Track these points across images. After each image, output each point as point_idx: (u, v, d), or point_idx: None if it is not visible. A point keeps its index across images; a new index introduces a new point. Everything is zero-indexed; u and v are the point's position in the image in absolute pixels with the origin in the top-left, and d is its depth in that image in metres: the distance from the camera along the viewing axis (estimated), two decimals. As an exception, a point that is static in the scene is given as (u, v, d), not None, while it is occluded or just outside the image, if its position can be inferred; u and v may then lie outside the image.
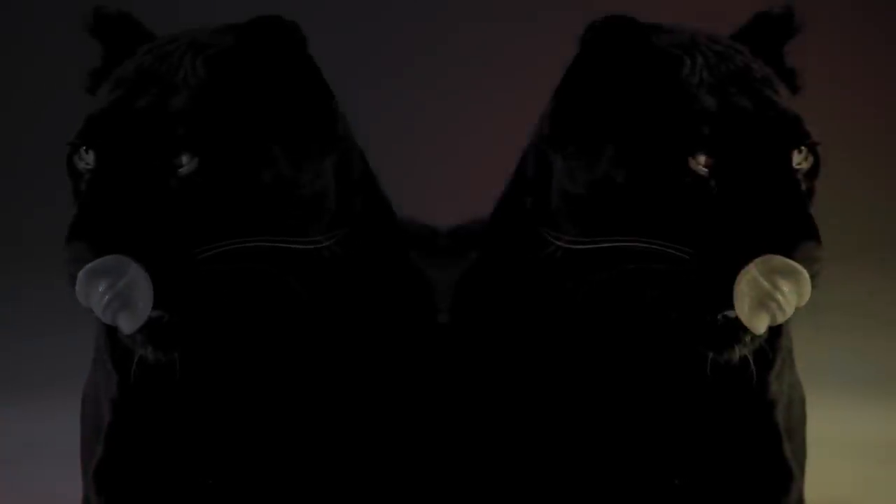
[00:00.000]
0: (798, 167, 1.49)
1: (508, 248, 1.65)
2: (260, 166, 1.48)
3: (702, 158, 1.46)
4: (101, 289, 1.41)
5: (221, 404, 1.58)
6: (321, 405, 1.60)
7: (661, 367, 1.57)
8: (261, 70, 1.52)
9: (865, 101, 3.48)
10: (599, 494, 1.59)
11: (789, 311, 1.43)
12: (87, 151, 1.49)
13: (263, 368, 1.58)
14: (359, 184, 1.65)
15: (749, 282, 1.41)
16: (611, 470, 1.59)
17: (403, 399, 1.66)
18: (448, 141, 3.42)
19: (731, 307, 1.42)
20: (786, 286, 1.41)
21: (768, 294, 1.41)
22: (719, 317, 1.45)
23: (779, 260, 1.41)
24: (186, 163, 1.46)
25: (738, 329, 1.45)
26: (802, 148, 1.49)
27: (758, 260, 1.41)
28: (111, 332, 1.54)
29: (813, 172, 1.52)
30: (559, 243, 1.53)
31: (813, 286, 1.43)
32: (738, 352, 1.47)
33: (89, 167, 1.49)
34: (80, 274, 1.41)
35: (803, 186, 1.49)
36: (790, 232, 1.42)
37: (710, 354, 1.47)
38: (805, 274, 1.41)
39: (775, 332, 1.54)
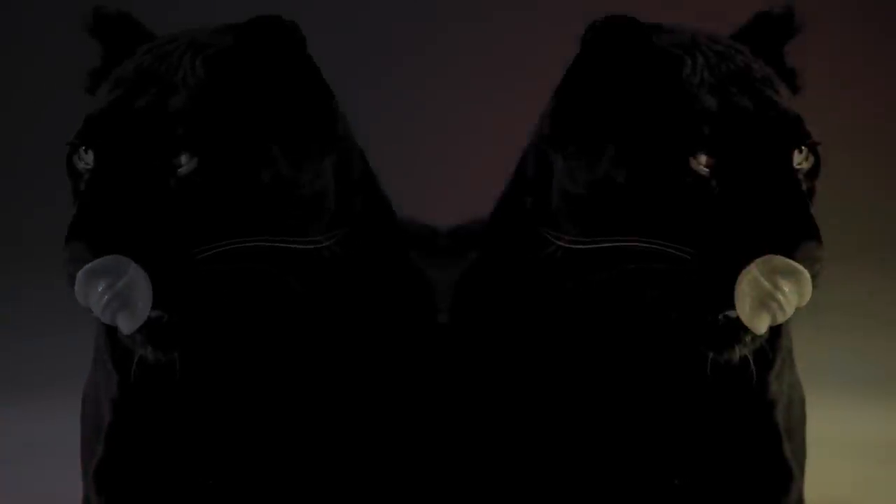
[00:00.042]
0: (799, 167, 1.49)
1: (508, 248, 1.65)
2: (259, 166, 1.48)
3: (703, 158, 1.46)
4: (100, 289, 1.41)
5: (221, 404, 1.58)
6: (321, 405, 1.60)
7: (661, 367, 1.57)
8: (260, 70, 1.52)
9: (865, 101, 3.48)
10: (599, 494, 1.59)
11: (790, 311, 1.43)
12: (86, 151, 1.49)
13: (263, 368, 1.58)
14: (359, 184, 1.65)
15: (750, 282, 1.41)
16: (611, 470, 1.59)
17: (403, 399, 1.66)
18: (448, 141, 3.42)
19: (732, 307, 1.42)
20: (787, 286, 1.41)
21: (769, 294, 1.41)
22: (720, 317, 1.45)
23: (780, 260, 1.41)
24: (185, 163, 1.46)
25: (738, 329, 1.45)
26: (803, 148, 1.49)
27: (759, 260, 1.41)
28: (111, 331, 1.54)
29: (813, 172, 1.52)
30: (560, 243, 1.53)
31: (814, 286, 1.43)
32: (738, 352, 1.47)
33: (89, 167, 1.49)
34: (80, 274, 1.41)
35: (804, 186, 1.49)
36: (791, 232, 1.42)
37: (711, 354, 1.47)
38: (806, 274, 1.42)
39: (775, 332, 1.54)
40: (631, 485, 1.59)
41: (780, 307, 1.42)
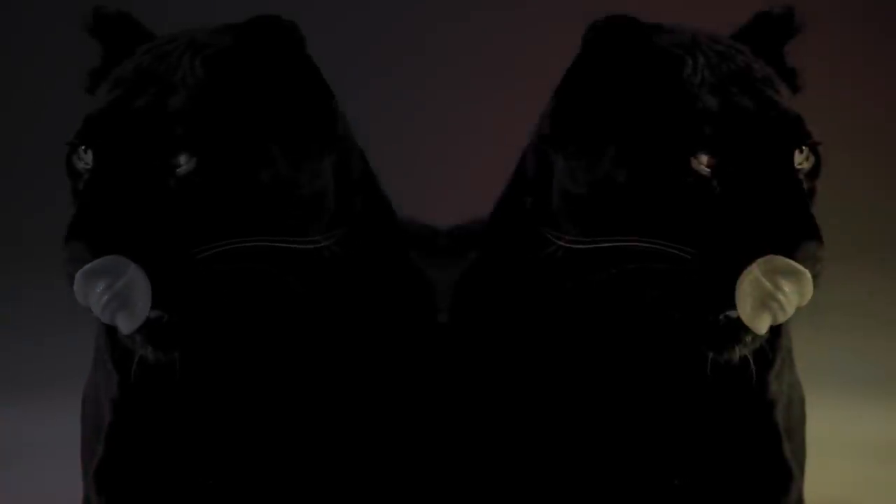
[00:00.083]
0: (799, 167, 1.49)
1: (508, 248, 1.65)
2: (258, 166, 1.48)
3: (704, 158, 1.46)
4: (99, 289, 1.41)
5: (222, 404, 1.58)
6: (321, 405, 1.60)
7: (660, 367, 1.57)
8: (259, 70, 1.52)
9: (865, 101, 3.48)
10: (599, 494, 1.59)
11: (791, 310, 1.43)
12: (85, 151, 1.49)
13: (263, 368, 1.58)
14: (358, 183, 1.65)
15: (751, 282, 1.41)
16: (611, 470, 1.59)
17: (403, 399, 1.66)
18: (448, 141, 3.42)
19: (733, 307, 1.42)
20: (787, 286, 1.41)
21: (770, 294, 1.41)
22: (721, 317, 1.45)
23: (781, 260, 1.41)
24: (185, 163, 1.46)
25: (739, 329, 1.45)
26: (804, 148, 1.50)
27: (760, 260, 1.41)
28: (111, 332, 1.55)
29: (814, 172, 1.52)
30: (560, 243, 1.53)
31: (815, 286, 1.43)
32: (738, 352, 1.47)
33: (88, 167, 1.49)
34: (79, 274, 1.41)
35: (804, 186, 1.49)
36: (792, 232, 1.42)
37: (711, 354, 1.47)
38: (807, 274, 1.42)
39: (775, 331, 1.54)
40: (631, 485, 1.59)
41: (781, 307, 1.42)
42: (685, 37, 1.54)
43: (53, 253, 1.45)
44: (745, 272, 1.41)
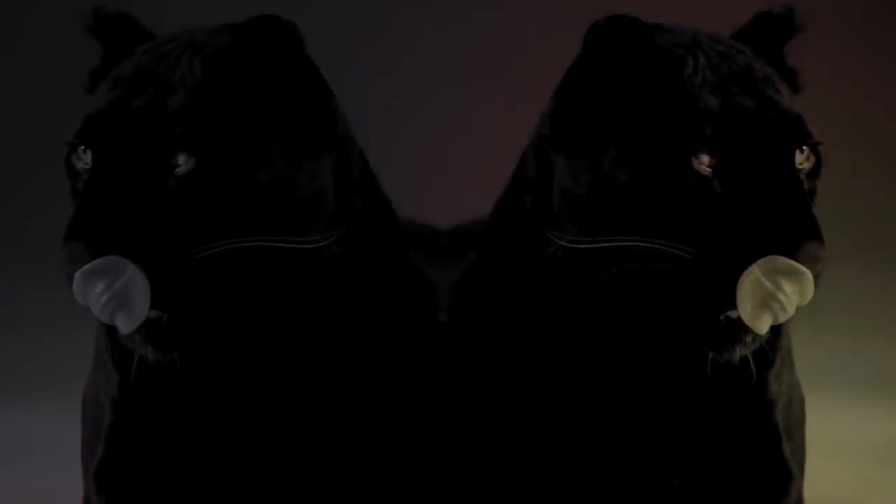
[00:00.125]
0: (800, 167, 1.49)
1: (508, 248, 1.65)
2: (257, 166, 1.48)
3: (705, 158, 1.46)
4: (98, 289, 1.41)
5: (222, 404, 1.58)
6: (321, 405, 1.60)
7: (660, 367, 1.57)
8: (258, 70, 1.52)
9: (865, 101, 3.49)
10: (599, 494, 1.59)
11: (791, 311, 1.43)
12: (84, 151, 1.49)
13: (263, 368, 1.58)
14: (358, 183, 1.65)
15: (752, 282, 1.41)
16: (610, 470, 1.59)
17: (403, 398, 1.66)
18: (448, 141, 3.42)
19: (734, 307, 1.42)
20: (788, 286, 1.41)
21: (771, 295, 1.41)
22: (721, 317, 1.45)
23: (782, 260, 1.41)
24: (183, 163, 1.46)
25: (739, 329, 1.45)
26: (804, 148, 1.50)
27: (761, 260, 1.41)
28: (111, 332, 1.55)
29: (815, 172, 1.52)
30: (561, 243, 1.53)
31: (815, 286, 1.43)
32: (738, 352, 1.47)
33: (87, 167, 1.49)
34: (78, 274, 1.41)
35: (805, 186, 1.49)
36: (793, 232, 1.42)
37: (711, 354, 1.47)
38: (808, 274, 1.42)
39: (775, 331, 1.54)
40: (631, 485, 1.59)
41: (782, 307, 1.42)
42: (686, 37, 1.54)
43: (53, 253, 1.45)
44: (746, 272, 1.41)
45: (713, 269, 1.43)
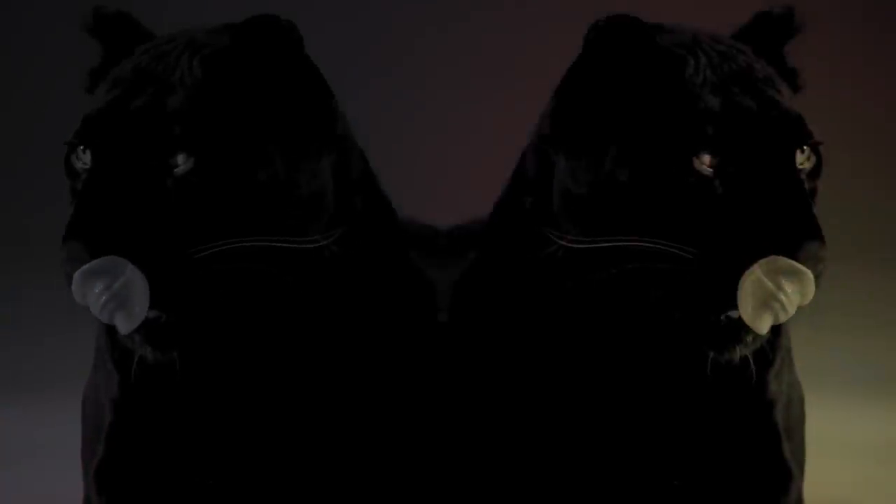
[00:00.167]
0: (801, 167, 1.49)
1: (508, 247, 1.65)
2: (256, 166, 1.48)
3: (706, 158, 1.46)
4: (97, 289, 1.41)
5: (222, 404, 1.58)
6: (321, 405, 1.60)
7: (660, 367, 1.57)
8: (257, 69, 1.52)
9: (865, 101, 3.49)
10: (599, 494, 1.59)
11: (792, 311, 1.43)
12: (84, 151, 1.49)
13: (263, 368, 1.58)
14: (358, 183, 1.65)
15: (753, 282, 1.41)
16: (610, 470, 1.59)
17: (403, 398, 1.66)
18: (448, 141, 3.42)
19: (735, 307, 1.42)
20: (789, 287, 1.41)
21: (772, 295, 1.41)
22: (722, 317, 1.45)
23: (783, 261, 1.41)
24: (182, 162, 1.46)
25: (740, 329, 1.45)
26: (805, 148, 1.50)
27: (762, 261, 1.41)
28: (111, 331, 1.55)
29: (815, 172, 1.52)
30: (562, 243, 1.53)
31: (816, 286, 1.43)
32: (739, 352, 1.47)
33: (86, 167, 1.49)
34: (77, 275, 1.41)
35: (806, 186, 1.49)
36: (794, 232, 1.42)
37: (711, 354, 1.47)
38: (809, 275, 1.42)
39: (775, 331, 1.54)
40: (631, 485, 1.59)
41: (783, 307, 1.42)
42: (686, 37, 1.54)
43: (53, 253, 1.45)
44: (747, 273, 1.41)
45: (714, 269, 1.43)
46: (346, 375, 1.61)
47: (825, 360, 2.38)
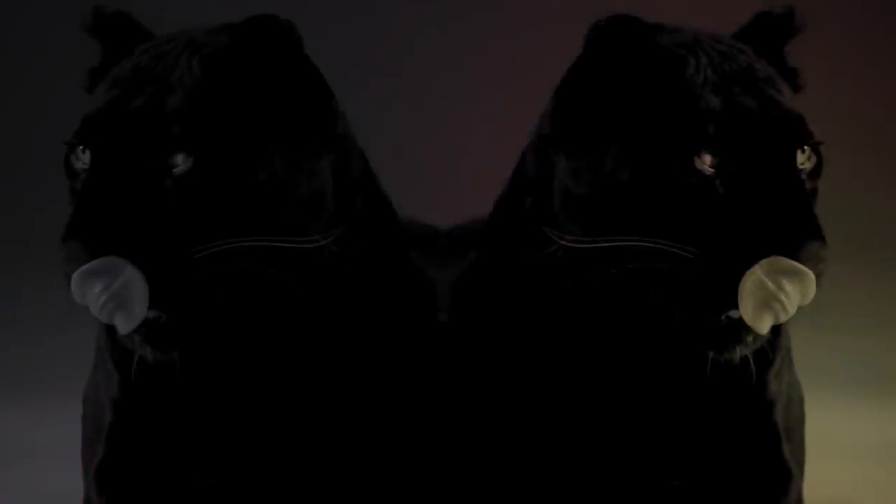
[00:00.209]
0: (802, 167, 1.49)
1: (508, 247, 1.65)
2: (255, 165, 1.48)
3: (707, 158, 1.46)
4: (96, 290, 1.41)
5: (222, 404, 1.58)
6: (321, 405, 1.60)
7: (660, 367, 1.57)
8: (256, 69, 1.52)
9: (865, 101, 3.49)
10: (599, 494, 1.59)
11: (792, 311, 1.43)
12: (83, 151, 1.49)
13: (263, 368, 1.58)
14: (358, 183, 1.65)
15: (754, 282, 1.41)
16: (610, 470, 1.59)
17: (403, 398, 1.66)
18: (448, 141, 3.42)
19: (735, 307, 1.42)
20: (790, 287, 1.41)
21: (773, 295, 1.41)
22: (723, 317, 1.45)
23: (784, 261, 1.41)
24: (181, 162, 1.46)
25: (740, 329, 1.45)
26: (806, 148, 1.50)
27: (763, 261, 1.41)
28: (111, 331, 1.54)
29: (816, 172, 1.52)
30: (562, 242, 1.53)
31: (817, 286, 1.43)
32: (739, 352, 1.47)
33: (86, 167, 1.49)
34: (76, 275, 1.41)
35: (807, 186, 1.49)
36: (796, 232, 1.42)
37: (712, 354, 1.47)
38: (811, 275, 1.42)
39: (775, 331, 1.54)
40: (630, 485, 1.59)
41: (784, 308, 1.42)
42: (687, 37, 1.54)
43: (53, 253, 1.45)
44: (748, 273, 1.41)
45: (715, 269, 1.43)
46: (346, 375, 1.61)
47: (825, 360, 2.38)
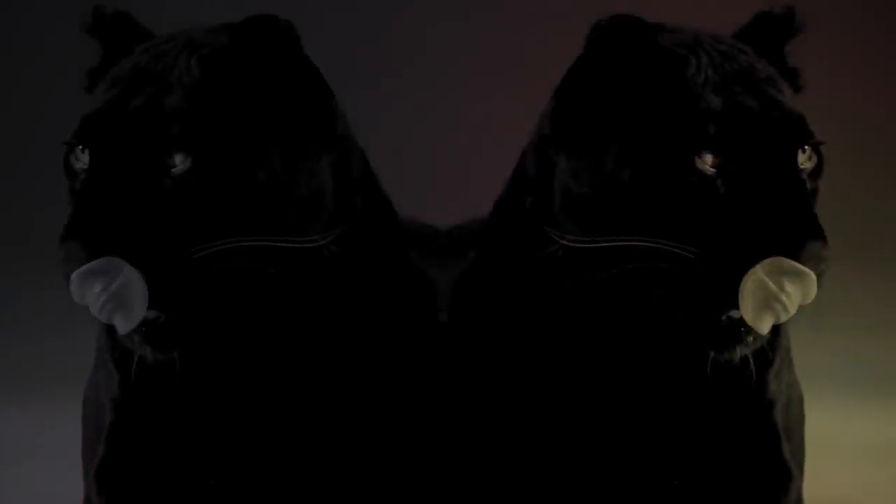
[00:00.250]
0: (802, 167, 1.49)
1: (508, 247, 1.65)
2: (254, 165, 1.48)
3: (708, 158, 1.46)
4: (95, 290, 1.41)
5: (222, 404, 1.58)
6: (321, 404, 1.60)
7: (660, 367, 1.57)
8: (255, 69, 1.52)
9: (865, 101, 3.48)
10: (599, 494, 1.59)
11: (793, 311, 1.43)
12: (82, 151, 1.49)
13: (263, 368, 1.58)
14: (358, 183, 1.65)
15: (755, 282, 1.41)
16: (610, 470, 1.59)
17: (403, 398, 1.66)
18: (448, 141, 3.42)
19: (736, 307, 1.42)
20: (791, 287, 1.41)
21: (774, 296, 1.41)
22: (723, 317, 1.45)
23: (786, 262, 1.41)
24: (180, 162, 1.46)
25: (740, 329, 1.45)
26: (807, 147, 1.50)
27: (764, 261, 1.41)
28: (111, 331, 1.54)
29: (816, 172, 1.52)
30: (563, 242, 1.53)
31: (818, 286, 1.43)
32: (740, 352, 1.47)
33: (85, 167, 1.49)
34: (75, 275, 1.41)
35: (808, 186, 1.49)
36: (797, 232, 1.42)
37: (712, 354, 1.47)
38: (812, 276, 1.42)
39: (775, 331, 1.54)
40: (630, 485, 1.59)
41: (785, 308, 1.42)
42: (688, 37, 1.54)
43: (53, 253, 1.45)
44: (749, 273, 1.41)
45: (716, 269, 1.43)
46: (346, 375, 1.61)
47: (825, 360, 2.38)
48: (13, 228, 3.27)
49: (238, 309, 1.53)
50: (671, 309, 1.47)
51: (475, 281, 1.71)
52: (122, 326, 1.43)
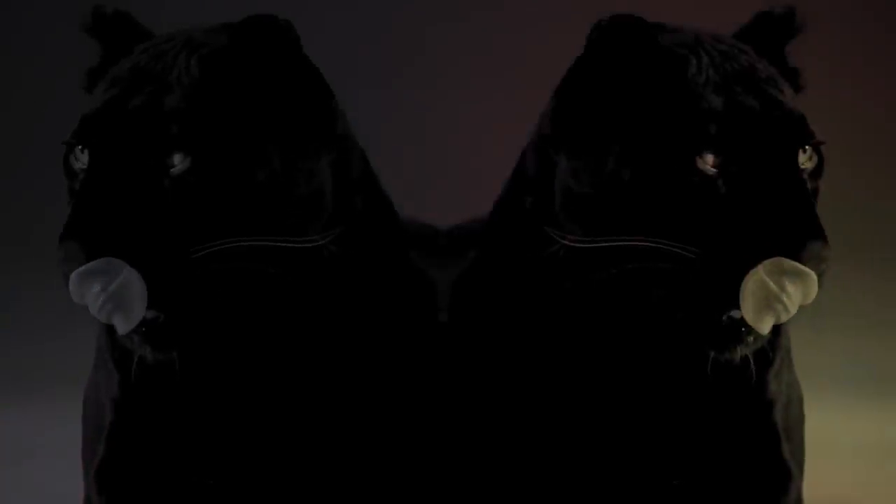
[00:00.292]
0: (803, 167, 1.49)
1: (508, 247, 1.65)
2: (254, 165, 1.48)
3: (709, 158, 1.46)
4: (94, 290, 1.41)
5: (222, 404, 1.58)
6: (321, 404, 1.60)
7: (660, 367, 1.57)
8: (254, 69, 1.52)
9: (865, 101, 3.48)
10: (598, 494, 1.59)
11: (794, 311, 1.43)
12: (82, 151, 1.49)
13: (263, 368, 1.58)
14: (358, 183, 1.65)
15: (756, 282, 1.41)
16: (610, 470, 1.59)
17: (403, 398, 1.66)
18: (449, 141, 3.42)
19: (737, 307, 1.42)
20: (792, 288, 1.41)
21: (775, 296, 1.41)
22: (724, 317, 1.45)
23: (787, 262, 1.41)
24: (179, 162, 1.46)
25: (741, 329, 1.45)
26: (807, 147, 1.50)
27: (765, 261, 1.41)
28: (111, 331, 1.54)
29: (817, 172, 1.52)
30: (563, 242, 1.53)
31: (819, 286, 1.43)
32: (740, 352, 1.47)
33: (84, 167, 1.48)
34: (73, 276, 1.41)
35: (808, 186, 1.49)
36: (798, 232, 1.42)
37: (712, 354, 1.47)
38: (813, 276, 1.42)
39: (775, 331, 1.54)
40: (630, 485, 1.59)
41: (785, 308, 1.42)
42: (689, 36, 1.54)
43: (53, 253, 1.45)
44: (750, 273, 1.41)
45: (717, 269, 1.43)
46: (346, 375, 1.61)
47: (825, 360, 2.38)
48: (13, 228, 3.27)
49: (237, 309, 1.53)
50: (672, 309, 1.47)
51: (475, 281, 1.71)
52: (122, 326, 1.43)
